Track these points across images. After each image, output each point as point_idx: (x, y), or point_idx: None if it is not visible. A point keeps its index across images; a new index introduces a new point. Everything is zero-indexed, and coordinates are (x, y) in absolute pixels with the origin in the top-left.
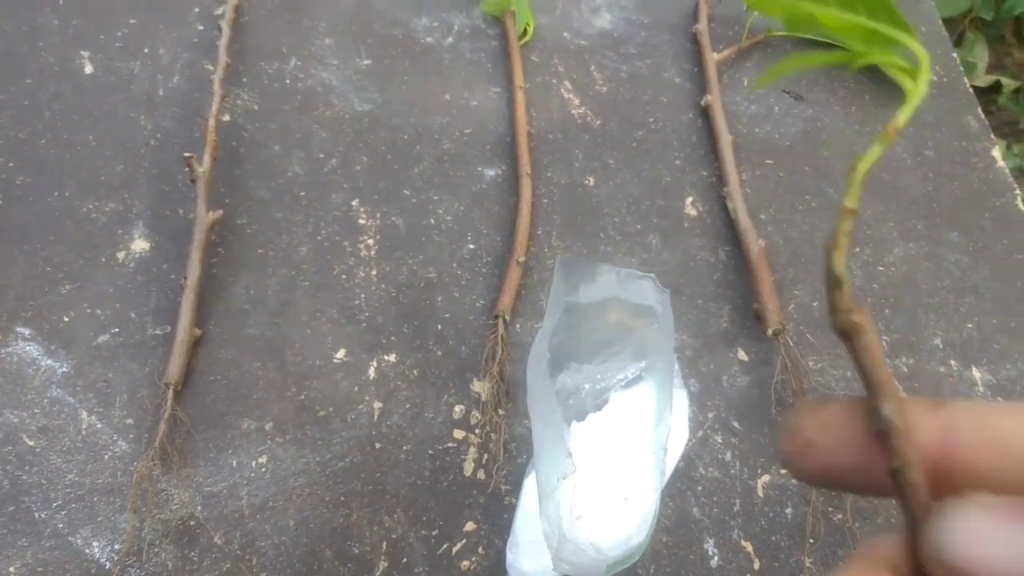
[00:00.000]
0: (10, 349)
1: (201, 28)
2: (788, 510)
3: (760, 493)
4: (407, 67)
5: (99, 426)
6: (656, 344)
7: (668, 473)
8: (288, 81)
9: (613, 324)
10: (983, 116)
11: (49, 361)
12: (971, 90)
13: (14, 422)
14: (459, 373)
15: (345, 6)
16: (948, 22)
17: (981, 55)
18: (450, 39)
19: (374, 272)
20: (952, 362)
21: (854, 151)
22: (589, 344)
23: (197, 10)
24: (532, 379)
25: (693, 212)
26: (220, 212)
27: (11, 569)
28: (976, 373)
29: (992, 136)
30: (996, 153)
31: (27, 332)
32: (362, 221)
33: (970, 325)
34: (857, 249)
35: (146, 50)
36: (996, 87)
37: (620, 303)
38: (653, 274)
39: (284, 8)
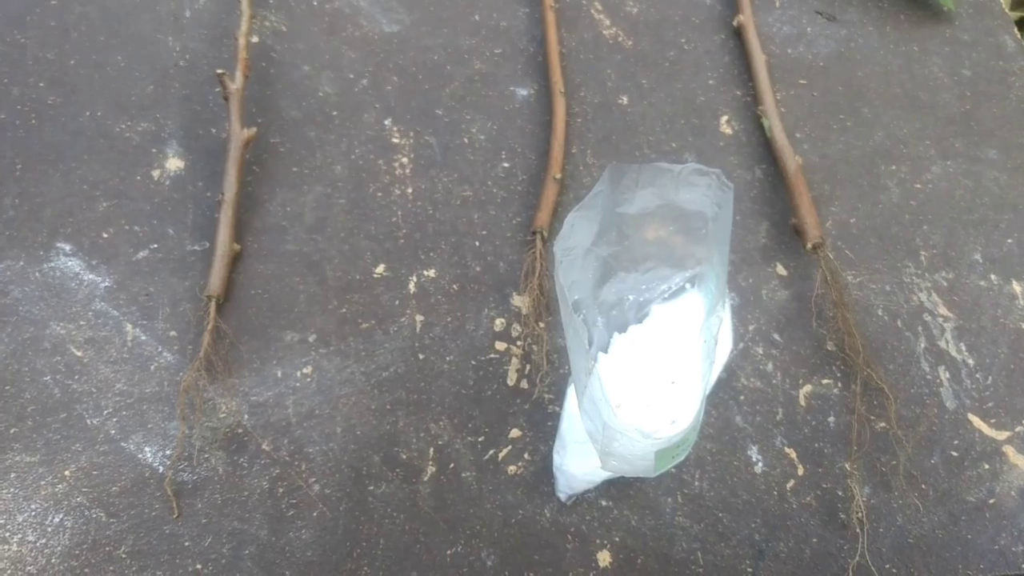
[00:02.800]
0: (52, 264)
1: None
2: (831, 419)
3: (802, 402)
4: None
5: (144, 338)
6: (709, 249)
7: (712, 382)
8: (316, 3)
9: (654, 239)
10: (1019, 36)
11: (91, 275)
12: (1005, 11)
13: (61, 333)
14: (499, 288)
15: None
16: None
17: None
18: None
19: (410, 190)
20: (992, 276)
21: (889, 71)
22: (634, 255)
23: None
24: (557, 285)
25: (728, 131)
26: (254, 130)
27: (66, 472)
28: (1016, 287)
29: None
30: None
31: (68, 248)
32: (395, 140)
33: (1010, 240)
34: (894, 167)
35: None
36: (1019, 24)
37: (669, 210)
38: (718, 169)
39: None
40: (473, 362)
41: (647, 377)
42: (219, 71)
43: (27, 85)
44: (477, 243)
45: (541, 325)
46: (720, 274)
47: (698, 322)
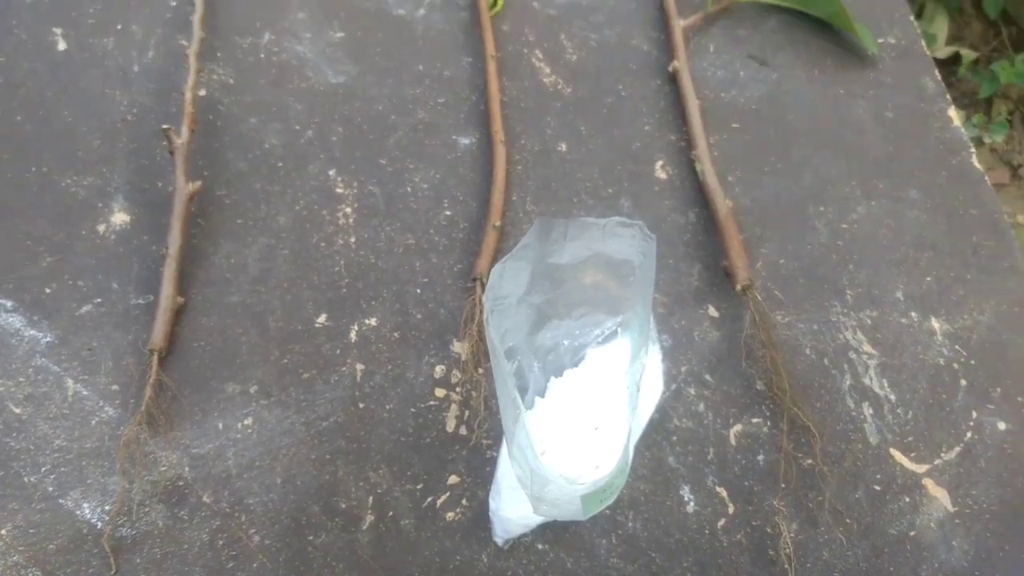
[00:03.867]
0: None
1: (174, 4)
2: (760, 457)
3: (733, 441)
4: (380, 39)
5: (85, 393)
6: (633, 297)
7: (643, 425)
8: (263, 55)
9: (591, 284)
10: (939, 78)
11: (32, 331)
12: (928, 54)
13: (0, 391)
14: (439, 335)
15: None
16: None
17: (941, 26)
18: (422, 10)
19: (353, 240)
20: (912, 313)
21: (817, 114)
22: (567, 302)
23: None
24: (487, 335)
25: (663, 175)
26: (199, 183)
27: (2, 531)
28: (935, 323)
29: (948, 97)
30: (952, 113)
31: (9, 304)
32: (339, 190)
33: (929, 278)
34: (822, 208)
35: (119, 26)
36: (956, 58)
37: (599, 260)
38: (641, 221)
39: None
40: (413, 409)
41: (572, 423)
42: (164, 126)
43: None
44: (419, 291)
45: (480, 371)
46: (643, 320)
47: (623, 367)
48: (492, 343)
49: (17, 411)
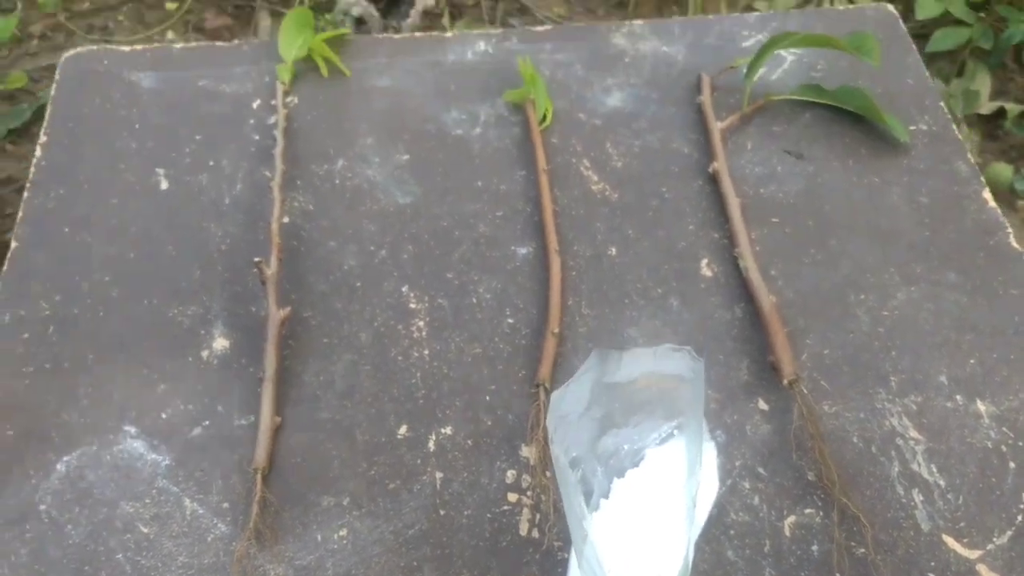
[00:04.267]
0: (121, 447)
1: (257, 138)
2: (814, 547)
3: (787, 533)
4: (441, 159)
5: (201, 511)
6: (687, 404)
7: (702, 522)
8: (337, 181)
9: (646, 396)
10: (971, 161)
11: (154, 455)
12: (959, 136)
13: (129, 512)
14: (508, 440)
15: (381, 106)
16: (950, 53)
17: (984, 83)
18: (478, 129)
19: (426, 351)
20: (958, 397)
21: (853, 203)
22: (625, 412)
23: (252, 122)
24: (552, 452)
25: (708, 273)
26: (288, 309)
27: None
28: (981, 406)
29: (981, 179)
30: (986, 195)
31: (133, 430)
32: (412, 305)
33: (972, 360)
34: (862, 296)
35: (211, 163)
36: (1001, 113)
37: (652, 376)
38: (689, 347)
39: (328, 113)
40: (489, 514)
41: (635, 524)
42: (256, 259)
43: (93, 281)
44: (488, 398)
45: (547, 474)
46: (696, 435)
47: (680, 479)
48: (557, 459)
49: (145, 531)
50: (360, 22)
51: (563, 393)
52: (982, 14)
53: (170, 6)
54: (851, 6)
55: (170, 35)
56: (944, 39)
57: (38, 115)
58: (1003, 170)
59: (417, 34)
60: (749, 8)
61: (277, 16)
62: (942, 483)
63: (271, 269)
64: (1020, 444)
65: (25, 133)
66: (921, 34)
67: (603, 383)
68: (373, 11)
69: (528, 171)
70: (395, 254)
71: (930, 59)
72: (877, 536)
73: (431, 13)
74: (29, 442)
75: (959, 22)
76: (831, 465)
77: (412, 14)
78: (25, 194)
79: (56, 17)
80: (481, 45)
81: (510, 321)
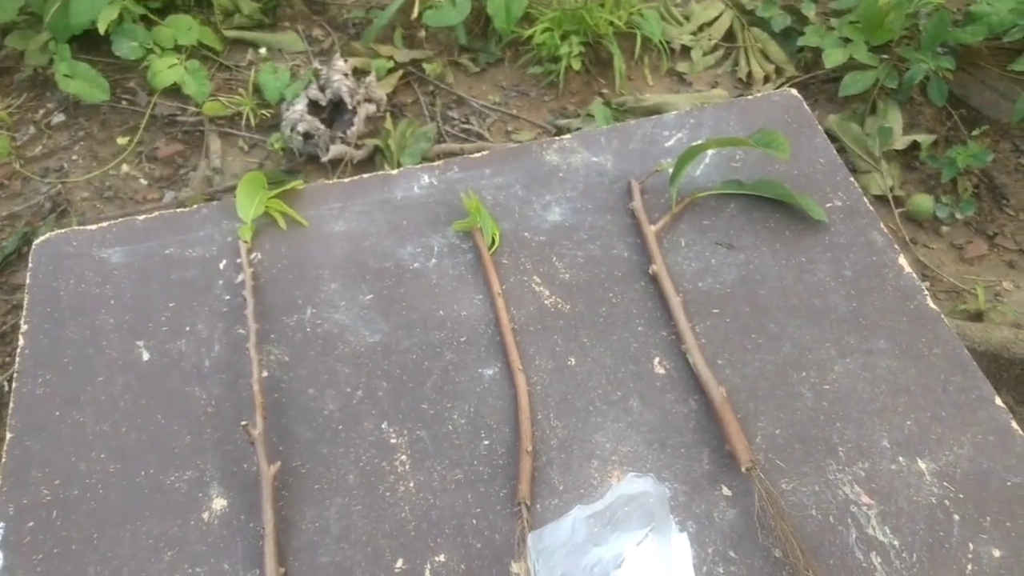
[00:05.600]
0: None
1: (227, 297)
2: None
3: None
4: (403, 293)
5: None
6: (656, 511)
7: None
8: (308, 329)
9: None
10: (884, 230)
11: None
12: (871, 208)
13: None
14: (498, 559)
15: (340, 250)
16: (861, 95)
17: (896, 119)
18: (433, 260)
19: (412, 484)
20: (900, 458)
21: (785, 284)
22: (603, 533)
23: (221, 282)
24: None
25: (661, 371)
26: (278, 464)
27: None
28: (922, 464)
29: (895, 246)
30: (902, 261)
31: None
32: (393, 440)
33: (909, 422)
34: (804, 373)
35: (187, 328)
36: (915, 146)
37: (622, 499)
38: (651, 474)
39: (292, 264)
40: None
41: None
42: (243, 423)
43: (91, 459)
44: (474, 521)
45: None
46: (667, 534)
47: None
48: None
49: None
50: (307, 136)
51: (540, 533)
52: (884, 56)
53: (121, 140)
54: (759, 95)
55: (124, 168)
56: (853, 83)
57: (4, 264)
58: (924, 200)
59: (364, 176)
60: (672, 73)
61: (226, 136)
62: (896, 543)
63: (257, 429)
64: (960, 496)
65: None
66: (833, 78)
67: (582, 517)
68: (318, 124)
69: (484, 294)
70: (371, 392)
71: (844, 101)
72: None
73: (374, 117)
74: None
75: (865, 66)
76: (794, 542)
77: (356, 122)
78: (13, 384)
79: (11, 165)
80: (425, 178)
81: (486, 443)
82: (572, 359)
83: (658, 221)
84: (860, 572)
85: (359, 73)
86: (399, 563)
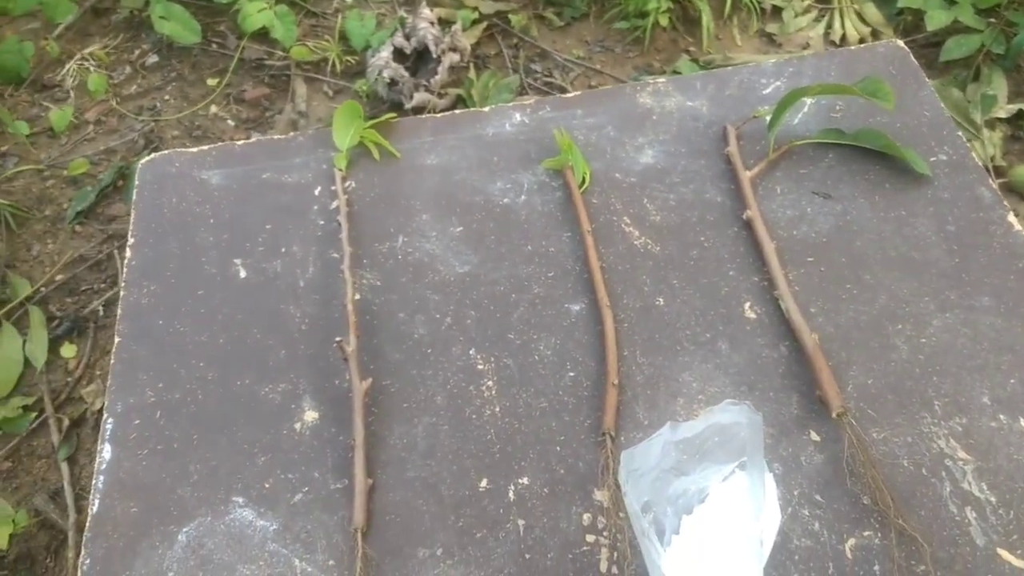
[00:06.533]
0: (232, 516)
1: (322, 223)
2: (876, 567)
3: (849, 555)
4: (492, 227)
5: (310, 570)
6: (747, 445)
7: (768, 549)
8: (400, 256)
9: (710, 440)
10: (994, 186)
11: (262, 522)
12: (979, 163)
13: (247, 574)
14: (582, 486)
15: (432, 183)
16: (964, 60)
17: (1000, 86)
18: (523, 196)
19: (497, 409)
20: (1001, 416)
21: (883, 237)
22: (691, 460)
23: (316, 208)
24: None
25: (752, 315)
26: (370, 380)
27: None
28: None
29: (1005, 203)
30: (1011, 219)
31: (241, 500)
32: (480, 367)
33: (1013, 380)
34: (900, 326)
35: (283, 249)
36: (1021, 115)
37: (713, 428)
38: (747, 402)
39: (384, 193)
40: (570, 555)
41: (709, 567)
42: (337, 339)
43: (190, 366)
44: (558, 448)
45: (621, 515)
46: (758, 471)
47: (745, 511)
48: (630, 506)
49: None
50: (392, 83)
51: (632, 452)
52: (992, 20)
53: (211, 82)
54: (862, 46)
55: (213, 108)
56: (957, 47)
57: (101, 197)
58: None
59: (457, 111)
60: (762, 33)
61: (312, 82)
62: (993, 499)
63: (351, 346)
64: None
65: (91, 214)
66: (934, 42)
67: (672, 441)
68: (403, 71)
69: (573, 232)
70: (459, 320)
71: (945, 67)
72: (935, 554)
73: (457, 67)
74: (151, 517)
75: (970, 29)
76: (885, 489)
77: (440, 71)
78: (121, 292)
79: (108, 102)
80: (517, 116)
81: (571, 375)
82: (660, 299)
83: (753, 168)
84: (953, 525)
85: (444, 23)
86: (484, 482)
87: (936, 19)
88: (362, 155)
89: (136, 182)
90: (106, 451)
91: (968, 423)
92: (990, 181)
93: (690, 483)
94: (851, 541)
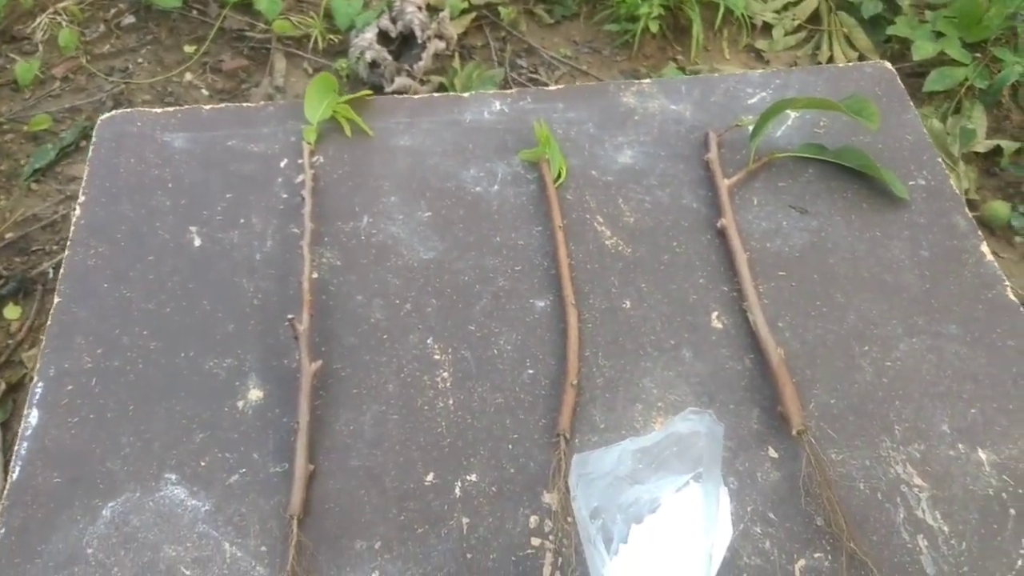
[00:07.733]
0: (162, 493)
1: (285, 196)
2: None
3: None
4: (461, 215)
5: (240, 555)
6: (705, 456)
7: (716, 566)
8: (363, 237)
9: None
10: (969, 215)
11: (194, 501)
12: (956, 192)
13: (172, 556)
14: (531, 487)
15: (403, 166)
16: (946, 94)
17: (980, 121)
18: (496, 186)
19: (451, 401)
20: (960, 446)
21: (857, 256)
22: (649, 468)
23: (280, 180)
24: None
25: (719, 325)
26: (320, 362)
27: None
28: (982, 454)
29: (979, 233)
30: (984, 248)
31: (174, 477)
32: (437, 356)
33: (973, 410)
34: (866, 347)
35: (242, 220)
36: (997, 151)
37: (672, 437)
38: (710, 411)
39: (353, 171)
40: (513, 558)
41: (652, 564)
42: (289, 317)
43: (133, 334)
44: (510, 446)
45: (569, 520)
46: (714, 484)
47: (696, 523)
48: (579, 511)
49: (188, 573)
50: (374, 65)
51: (586, 456)
52: (977, 55)
53: (188, 49)
54: (850, 64)
55: (188, 76)
56: (940, 79)
57: (61, 155)
58: (1000, 207)
59: (435, 94)
60: (750, 49)
61: (292, 57)
62: (946, 529)
63: (303, 325)
64: (1020, 491)
65: (49, 172)
66: (919, 72)
67: (630, 450)
68: (386, 54)
69: (544, 227)
70: (419, 308)
71: (927, 97)
72: None
73: (442, 55)
74: (76, 489)
75: (955, 62)
76: (839, 512)
77: (424, 57)
78: (66, 252)
79: (78, 60)
80: (496, 104)
81: (530, 372)
82: (627, 302)
83: (732, 176)
84: (905, 552)
85: (432, 10)
86: (430, 476)
87: (922, 50)
88: (334, 130)
89: (93, 139)
90: (33, 416)
91: (926, 450)
92: (966, 210)
93: (643, 492)
94: (801, 562)
